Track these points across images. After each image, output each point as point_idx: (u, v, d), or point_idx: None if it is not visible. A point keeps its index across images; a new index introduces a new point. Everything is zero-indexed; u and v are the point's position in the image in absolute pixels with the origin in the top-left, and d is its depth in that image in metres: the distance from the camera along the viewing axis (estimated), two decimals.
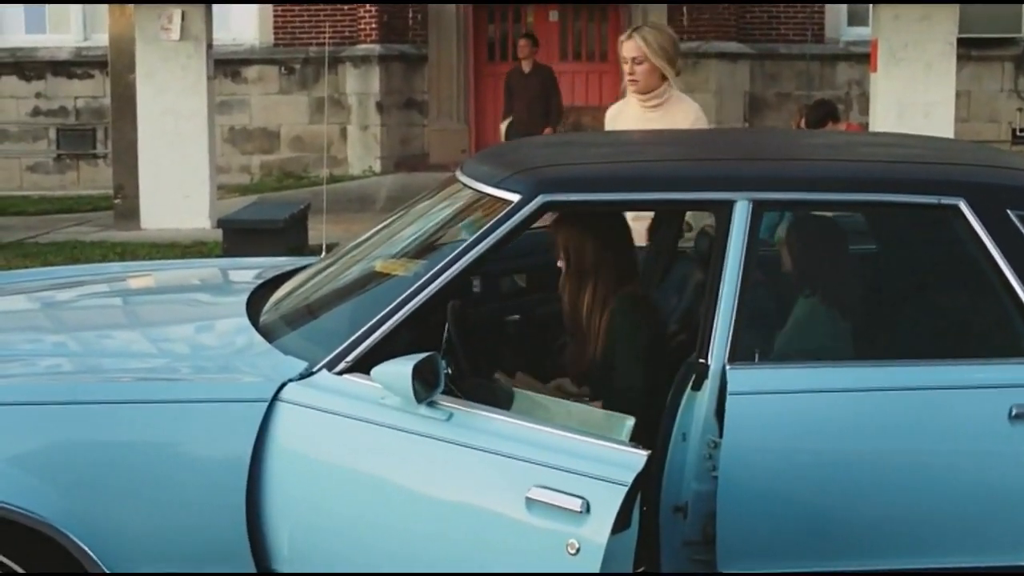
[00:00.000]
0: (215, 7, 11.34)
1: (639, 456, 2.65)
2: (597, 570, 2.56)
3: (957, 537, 3.01)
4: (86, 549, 2.87)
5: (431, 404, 2.80)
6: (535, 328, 4.06)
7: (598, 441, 2.72)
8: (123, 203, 11.15)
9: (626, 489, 2.58)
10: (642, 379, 3.29)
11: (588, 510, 2.58)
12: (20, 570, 2.93)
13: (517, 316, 4.11)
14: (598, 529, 2.57)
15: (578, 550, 2.57)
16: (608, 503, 2.58)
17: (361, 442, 2.89)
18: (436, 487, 2.80)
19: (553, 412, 3.05)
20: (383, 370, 2.81)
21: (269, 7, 14.41)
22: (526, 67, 11.53)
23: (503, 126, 11.35)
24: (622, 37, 4.83)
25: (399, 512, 2.82)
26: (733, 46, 14.48)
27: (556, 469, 2.65)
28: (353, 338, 3.00)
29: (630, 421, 2.96)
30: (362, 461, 2.88)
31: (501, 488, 2.70)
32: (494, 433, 2.75)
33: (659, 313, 3.49)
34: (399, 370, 2.76)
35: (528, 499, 2.64)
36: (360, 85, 14.45)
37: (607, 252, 3.46)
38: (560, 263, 3.53)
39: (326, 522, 2.90)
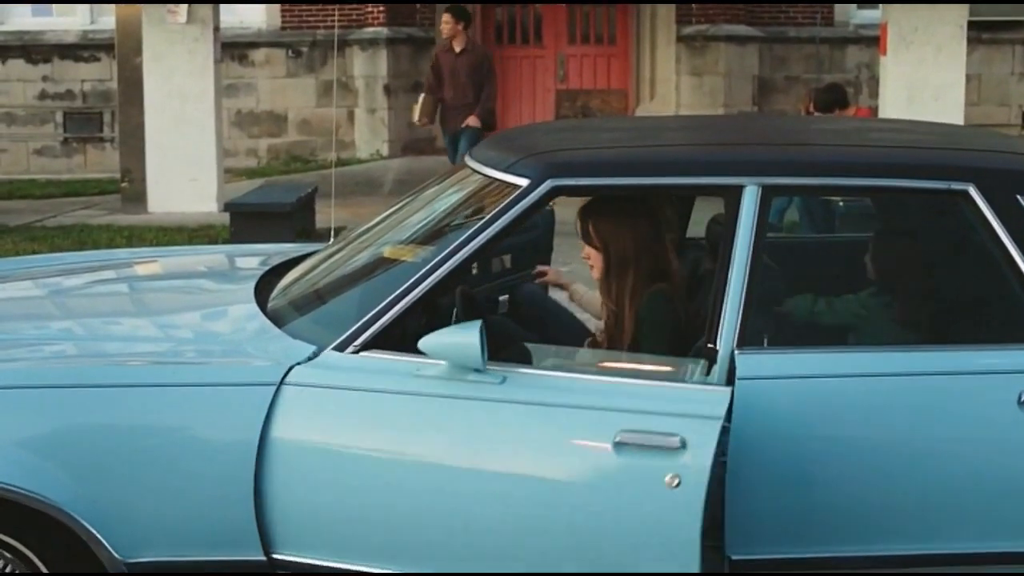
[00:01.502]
0: None
1: (723, 392, 2.82)
2: (702, 497, 2.69)
3: (965, 522, 3.01)
4: (95, 533, 2.88)
5: (478, 370, 2.84)
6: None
7: (678, 384, 2.90)
8: (130, 187, 11.15)
9: (720, 422, 2.73)
10: None
11: (684, 446, 2.71)
12: (30, 553, 2.94)
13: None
14: (698, 459, 2.70)
15: (679, 482, 2.69)
16: (705, 436, 2.72)
17: (389, 416, 2.91)
18: (502, 449, 2.85)
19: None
20: (435, 340, 2.84)
21: None
22: (456, 46, 10.06)
23: (418, 104, 10.14)
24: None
25: (453, 479, 2.85)
26: (742, 29, 14.42)
27: (642, 413, 2.77)
28: (361, 322, 3.01)
29: (703, 362, 3.00)
30: (392, 435, 2.90)
31: (586, 438, 2.79)
32: (568, 389, 2.87)
33: (688, 312, 3.44)
34: (455, 339, 2.81)
35: (617, 443, 2.74)
36: (368, 68, 14.42)
37: (646, 244, 3.40)
38: (587, 251, 3.45)
39: (339, 504, 2.91)
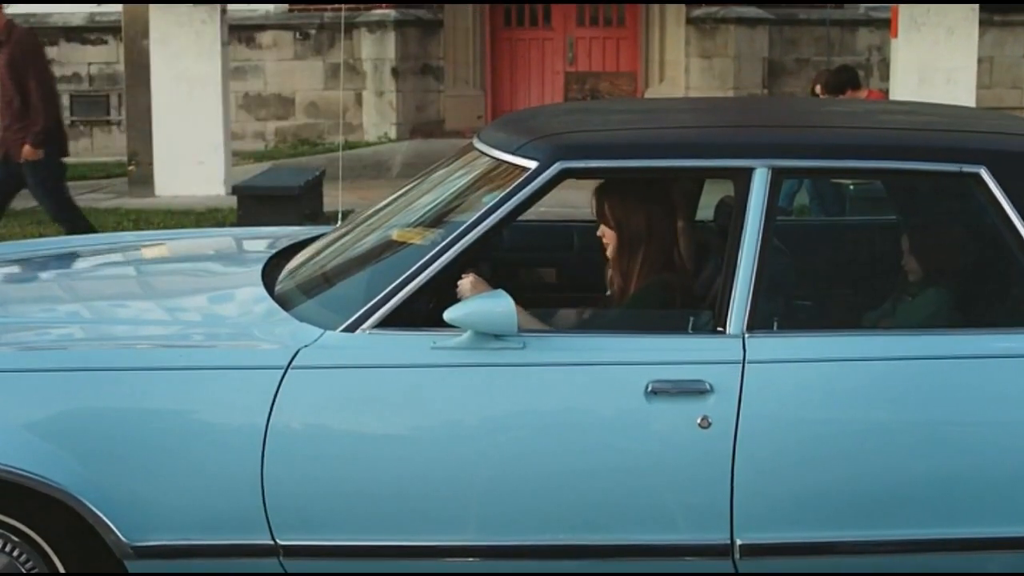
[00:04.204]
0: None
1: (736, 338, 2.95)
2: (731, 434, 2.87)
3: (981, 507, 2.99)
4: (102, 516, 2.88)
5: (499, 337, 2.89)
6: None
7: (697, 335, 3.01)
8: (137, 170, 11.15)
9: (741, 365, 2.89)
10: None
11: (712, 389, 2.89)
12: (36, 536, 2.95)
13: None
14: (726, 400, 2.89)
15: (710, 423, 2.87)
16: (729, 379, 2.90)
17: (407, 391, 2.93)
18: (534, 409, 2.94)
19: None
20: (463, 309, 2.88)
21: None
22: None
23: None
24: None
25: (484, 444, 2.92)
26: (752, 11, 14.35)
27: (668, 364, 2.92)
28: (369, 305, 3.01)
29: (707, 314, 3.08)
30: (413, 409, 2.94)
31: (619, 391, 2.92)
32: (592, 348, 2.99)
33: (691, 295, 3.40)
34: (485, 306, 2.86)
35: (649, 393, 2.89)
36: (375, 51, 14.39)
37: (658, 226, 3.36)
38: (602, 229, 3.41)
39: (351, 483, 2.92)
